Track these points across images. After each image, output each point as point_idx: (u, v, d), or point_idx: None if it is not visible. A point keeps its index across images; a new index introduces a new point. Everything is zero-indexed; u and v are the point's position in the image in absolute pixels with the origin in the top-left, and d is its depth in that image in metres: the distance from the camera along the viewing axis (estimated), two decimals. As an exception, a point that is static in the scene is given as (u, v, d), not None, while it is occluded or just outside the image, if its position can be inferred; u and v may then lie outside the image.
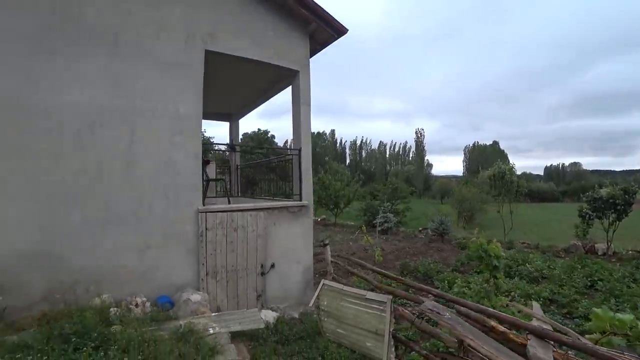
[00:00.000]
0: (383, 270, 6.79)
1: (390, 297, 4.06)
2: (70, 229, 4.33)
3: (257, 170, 10.36)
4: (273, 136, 31.52)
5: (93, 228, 4.41)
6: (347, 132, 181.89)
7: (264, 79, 6.99)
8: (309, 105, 6.49)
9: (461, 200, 20.96)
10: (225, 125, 9.56)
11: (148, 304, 4.69)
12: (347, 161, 68.29)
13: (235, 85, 7.25)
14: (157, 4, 5.06)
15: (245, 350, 4.37)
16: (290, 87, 6.71)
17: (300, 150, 6.23)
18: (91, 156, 4.44)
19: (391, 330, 3.94)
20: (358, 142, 71.63)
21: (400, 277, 6.70)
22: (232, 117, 9.32)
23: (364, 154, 72.64)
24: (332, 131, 67.65)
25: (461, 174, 70.15)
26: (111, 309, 4.26)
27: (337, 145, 69.01)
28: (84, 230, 4.39)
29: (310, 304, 5.07)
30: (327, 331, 4.63)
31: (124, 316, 4.21)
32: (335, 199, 19.15)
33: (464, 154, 74.70)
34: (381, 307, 3.98)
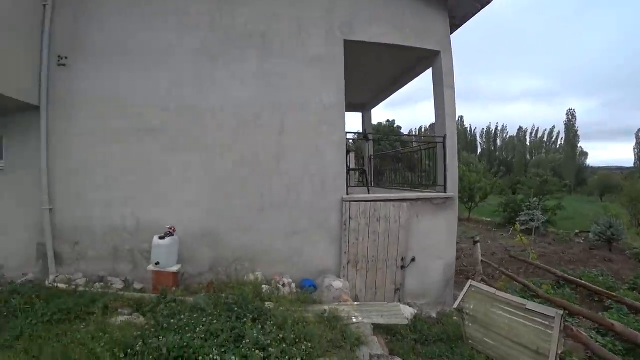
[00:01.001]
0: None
1: (562, 312, 3.34)
2: (232, 213, 5.01)
3: (384, 160, 10.24)
4: (399, 127, 30.67)
5: (250, 212, 5.00)
6: (478, 118, 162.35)
7: (401, 65, 6.73)
8: (452, 88, 5.95)
9: (635, 199, 16.54)
10: (354, 116, 9.68)
11: (293, 285, 5.05)
12: (479, 150, 61.77)
13: (371, 74, 7.21)
14: (299, 3, 5.37)
15: (383, 343, 4.28)
16: (420, 76, 6.29)
17: (445, 137, 5.76)
18: (248, 148, 5.02)
19: (559, 352, 3.23)
20: (492, 129, 64.00)
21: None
22: (365, 107, 9.39)
23: (499, 142, 64.46)
24: (461, 118, 61.85)
25: (631, 165, 55.48)
26: (263, 286, 4.74)
27: (467, 133, 62.92)
28: (243, 214, 5.02)
29: (455, 305, 4.64)
30: (470, 338, 4.15)
31: (273, 294, 4.63)
32: (470, 192, 17.56)
33: (636, 138, 58.64)
34: (546, 322, 3.34)
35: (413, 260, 5.63)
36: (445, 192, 5.74)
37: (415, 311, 5.26)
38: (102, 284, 4.99)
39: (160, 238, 4.53)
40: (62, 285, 4.78)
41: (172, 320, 3.35)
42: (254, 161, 4.98)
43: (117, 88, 5.15)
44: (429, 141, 6.50)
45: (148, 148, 4.99)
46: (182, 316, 3.45)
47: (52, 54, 5.37)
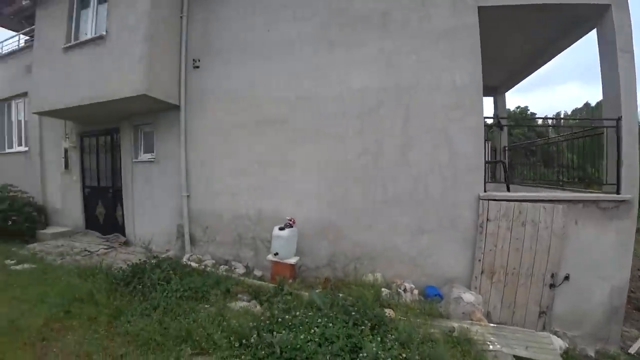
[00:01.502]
0: None
1: None
2: (352, 206, 4.76)
3: (515, 153, 8.86)
4: (533, 114, 26.55)
5: (372, 206, 4.67)
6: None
7: (549, 32, 5.49)
8: (631, 52, 4.53)
9: None
10: (485, 101, 8.49)
11: (416, 291, 4.53)
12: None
13: (508, 48, 6.12)
14: (421, -27, 4.75)
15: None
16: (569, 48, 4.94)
17: (619, 119, 4.44)
18: (370, 137, 4.69)
19: None
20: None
21: None
22: (497, 90, 8.20)
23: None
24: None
25: None
26: (383, 289, 4.35)
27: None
28: (364, 208, 4.72)
29: (632, 350, 3.49)
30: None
31: (393, 299, 4.20)
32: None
33: None
34: None
35: (566, 278, 4.51)
36: (618, 193, 4.43)
37: (566, 345, 4.22)
38: (226, 267, 5.35)
39: (280, 229, 4.57)
40: (194, 264, 5.28)
41: (287, 316, 3.26)
42: (376, 151, 4.64)
43: (240, 83, 5.44)
44: (592, 126, 5.15)
45: (270, 140, 5.12)
46: (297, 312, 3.34)
47: (188, 58, 6.00)
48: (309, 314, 3.36)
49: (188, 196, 5.89)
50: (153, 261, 4.67)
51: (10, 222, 7.19)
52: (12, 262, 5.76)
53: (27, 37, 8.87)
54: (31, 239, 7.48)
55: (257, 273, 5.14)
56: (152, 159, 6.47)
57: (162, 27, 5.59)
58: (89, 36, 6.06)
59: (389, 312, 3.79)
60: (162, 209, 6.37)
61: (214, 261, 5.59)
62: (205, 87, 5.76)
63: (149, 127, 6.60)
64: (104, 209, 7.39)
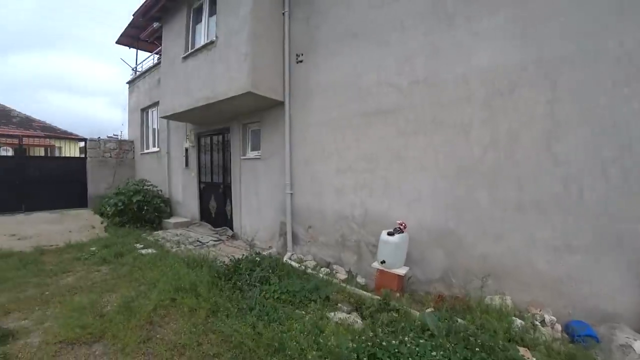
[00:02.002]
0: None
1: None
2: (475, 210, 4.02)
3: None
4: None
5: (501, 212, 3.86)
6: None
7: None
8: None
9: None
10: None
11: (558, 326, 3.56)
12: None
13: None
14: None
15: None
16: None
17: None
18: (501, 126, 3.88)
19: None
20: None
21: None
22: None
23: None
24: None
25: None
26: (514, 318, 3.53)
27: None
28: (490, 214, 3.94)
29: None
30: None
31: (528, 333, 3.35)
32: None
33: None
34: None
35: None
36: None
37: None
38: (327, 269, 5.13)
39: (389, 234, 4.12)
40: (294, 264, 5.20)
41: (392, 341, 2.78)
42: (509, 144, 3.79)
43: (344, 74, 5.14)
44: None
45: (379, 132, 4.71)
46: (406, 337, 2.84)
47: (291, 53, 5.97)
48: (420, 340, 2.84)
49: (292, 194, 5.88)
50: (255, 258, 4.71)
51: (143, 211, 8.33)
52: (140, 246, 6.59)
53: (158, 55, 10.23)
54: (158, 226, 8.55)
55: (360, 280, 4.78)
56: (258, 156, 6.69)
57: (264, 26, 5.68)
58: (201, 43, 6.56)
59: (524, 351, 3.01)
60: (267, 205, 6.53)
61: (315, 262, 5.44)
62: (309, 82, 5.66)
63: (256, 125, 6.85)
64: (215, 203, 7.99)
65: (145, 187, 8.79)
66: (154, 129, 10.67)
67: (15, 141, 11.07)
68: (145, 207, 8.36)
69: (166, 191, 9.45)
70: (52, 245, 6.81)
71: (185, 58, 6.92)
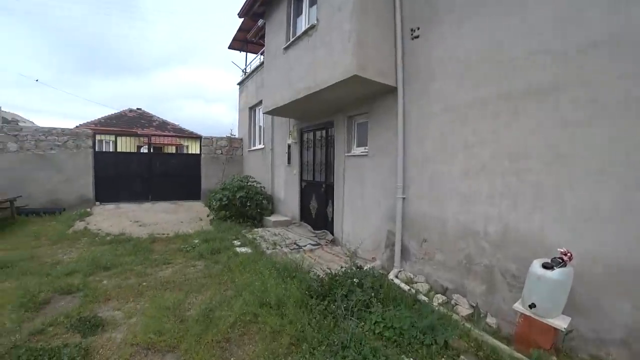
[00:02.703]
0: None
1: None
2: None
3: None
4: None
5: None
6: None
7: None
8: None
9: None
10: None
11: None
12: None
13: None
14: None
15: None
16: None
17: None
18: None
19: None
20: None
21: None
22: None
23: None
24: None
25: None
26: None
27: None
28: None
29: None
30: None
31: None
32: None
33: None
34: None
35: None
36: None
37: None
38: (444, 297, 4.10)
39: (546, 266, 2.91)
40: (403, 285, 4.31)
41: None
42: None
43: (477, 46, 4.00)
44: None
45: (529, 121, 3.47)
46: None
47: (404, 28, 5.04)
48: None
49: (404, 198, 4.98)
50: (354, 277, 3.96)
51: (246, 207, 8.45)
52: (238, 243, 6.59)
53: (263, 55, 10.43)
54: (258, 223, 8.59)
55: (491, 321, 3.62)
56: (365, 153, 5.96)
57: (370, 1, 4.88)
58: (302, 29, 6.18)
59: None
60: (373, 210, 5.76)
61: (428, 286, 4.45)
62: (429, 60, 4.66)
63: (363, 117, 6.14)
64: (316, 204, 7.57)
65: (248, 184, 8.95)
66: (260, 127, 10.96)
67: (153, 140, 13.00)
68: (248, 204, 8.47)
69: (269, 188, 9.51)
70: (163, 234, 7.34)
71: (286, 49, 6.63)
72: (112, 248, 6.28)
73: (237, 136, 12.49)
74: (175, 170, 11.58)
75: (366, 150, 5.95)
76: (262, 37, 10.80)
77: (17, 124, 13.54)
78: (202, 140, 11.86)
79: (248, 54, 12.92)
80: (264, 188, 9.36)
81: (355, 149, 6.36)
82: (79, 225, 8.08)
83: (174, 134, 17.94)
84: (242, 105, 12.42)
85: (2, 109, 24.58)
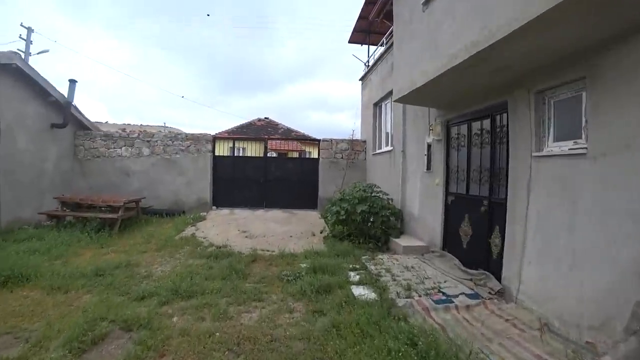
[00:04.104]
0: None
1: None
2: None
3: None
4: None
5: None
6: None
7: None
8: None
9: None
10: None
11: None
12: None
13: None
14: None
15: None
16: None
17: None
18: None
19: None
20: None
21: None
22: None
23: None
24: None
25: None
26: None
27: None
28: None
29: None
30: None
31: None
32: None
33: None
34: None
35: None
36: None
37: None
38: None
39: None
40: None
41: None
42: None
43: None
44: None
45: None
46: None
47: None
48: None
49: None
50: None
51: (368, 224, 6.51)
52: (356, 278, 4.76)
53: (390, 37, 8.33)
54: (383, 245, 6.53)
55: None
56: (577, 150, 3.29)
57: None
58: None
59: None
60: (597, 255, 3.05)
61: None
62: None
63: (569, 88, 3.47)
64: (471, 229, 5.05)
65: (373, 195, 6.96)
66: (387, 125, 8.91)
67: (277, 146, 12.69)
68: (371, 219, 6.49)
69: (397, 200, 7.34)
70: (267, 251, 6.01)
71: (426, 2, 4.45)
72: (208, 264, 5.21)
73: (359, 138, 10.73)
74: (291, 175, 10.46)
75: (581, 147, 3.27)
76: (387, 14, 8.85)
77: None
78: (321, 142, 10.45)
79: (370, 46, 11.08)
80: (392, 201, 7.24)
81: (553, 145, 3.68)
82: (189, 230, 7.47)
83: (283, 137, 17.69)
84: (366, 102, 10.57)
85: (167, 124, 28.80)
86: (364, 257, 5.68)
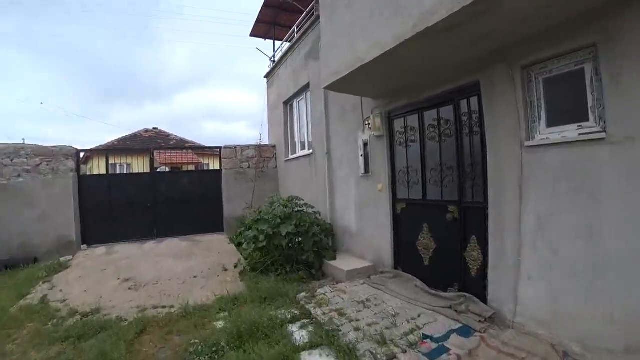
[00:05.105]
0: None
1: None
2: None
3: None
4: None
5: None
6: None
7: None
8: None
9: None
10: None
11: None
12: None
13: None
14: None
15: None
16: None
17: None
18: None
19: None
20: None
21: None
22: None
23: None
24: None
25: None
26: None
27: None
28: None
29: None
30: None
31: None
32: None
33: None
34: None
35: None
36: None
37: None
38: None
39: None
40: None
41: None
42: None
43: None
44: None
45: None
46: None
47: None
48: None
49: None
50: None
51: (296, 248, 5.17)
52: (301, 335, 3.34)
53: (309, 16, 7.33)
54: (318, 272, 5.24)
55: None
56: (591, 136, 2.64)
57: None
58: None
59: None
60: (632, 260, 2.41)
61: None
62: None
63: (568, 62, 2.83)
64: (434, 241, 4.19)
65: (296, 210, 5.67)
66: (302, 125, 7.76)
67: (168, 160, 10.54)
68: (300, 242, 5.17)
69: (325, 213, 6.19)
70: (164, 308, 4.12)
71: None
72: (63, 355, 3.07)
73: (268, 143, 9.28)
74: (188, 193, 8.33)
75: (593, 131, 2.64)
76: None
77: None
78: (222, 150, 8.60)
79: (276, 42, 9.86)
80: (319, 214, 6.06)
81: (548, 132, 3.01)
82: (39, 291, 4.90)
83: (190, 148, 15.21)
84: (273, 102, 9.22)
85: (26, 141, 22.21)
86: (301, 296, 4.29)
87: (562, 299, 2.84)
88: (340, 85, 4.37)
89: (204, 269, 5.46)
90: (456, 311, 3.52)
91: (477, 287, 3.57)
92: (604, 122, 2.59)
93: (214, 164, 11.13)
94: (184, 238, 7.78)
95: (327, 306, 3.98)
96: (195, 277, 5.14)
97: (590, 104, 2.71)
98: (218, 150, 8.82)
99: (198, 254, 6.30)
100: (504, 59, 3.20)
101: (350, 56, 3.81)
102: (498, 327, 3.23)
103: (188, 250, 6.62)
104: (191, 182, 8.59)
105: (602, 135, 2.56)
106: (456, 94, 3.76)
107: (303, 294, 4.38)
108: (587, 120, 2.72)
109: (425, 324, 3.38)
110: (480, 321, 3.30)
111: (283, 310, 3.93)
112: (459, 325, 3.31)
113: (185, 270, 5.41)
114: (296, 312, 3.92)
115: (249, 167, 8.66)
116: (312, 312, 3.83)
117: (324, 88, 4.63)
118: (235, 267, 5.40)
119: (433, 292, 3.97)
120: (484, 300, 3.46)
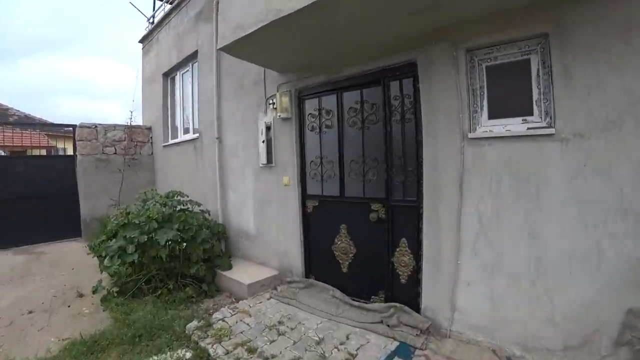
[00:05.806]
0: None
1: None
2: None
3: None
4: None
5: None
6: None
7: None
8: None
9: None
10: None
11: None
12: None
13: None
14: None
15: None
16: None
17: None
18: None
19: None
20: None
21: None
22: None
23: None
24: None
25: None
26: None
27: None
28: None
29: None
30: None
31: None
32: None
33: None
34: None
35: None
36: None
37: None
38: None
39: None
40: None
41: None
42: None
43: None
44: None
45: None
46: None
47: None
48: None
49: None
50: None
51: (181, 258, 4.04)
52: None
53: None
54: (209, 287, 4.22)
55: None
56: (539, 131, 2.45)
57: None
58: None
59: None
60: (574, 260, 2.33)
61: None
62: None
63: (514, 51, 2.59)
64: (354, 245, 3.66)
65: (179, 208, 4.44)
66: (187, 103, 6.26)
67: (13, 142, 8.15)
68: (186, 250, 4.02)
69: (215, 212, 5.07)
70: None
71: None
72: None
73: (141, 124, 7.27)
74: (31, 185, 5.99)
75: (539, 126, 2.47)
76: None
77: None
78: (78, 130, 6.33)
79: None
80: (209, 213, 4.90)
81: (490, 124, 2.76)
82: None
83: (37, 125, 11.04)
84: (150, 73, 7.23)
85: None
86: (192, 326, 3.22)
87: (502, 303, 2.67)
88: (242, 48, 3.35)
89: (47, 297, 3.71)
90: (388, 325, 3.09)
91: (409, 295, 3.21)
92: (550, 118, 2.44)
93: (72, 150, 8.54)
94: (19, 250, 5.51)
95: (230, 338, 3.05)
96: (31, 312, 3.40)
97: (535, 97, 2.53)
98: (71, 129, 6.51)
99: (39, 274, 4.34)
100: (446, 37, 2.81)
101: (262, 5, 2.85)
102: (434, 337, 2.93)
103: (23, 269, 4.53)
104: (37, 170, 6.18)
105: (551, 131, 2.40)
106: (387, 73, 3.25)
107: (194, 322, 3.31)
108: (532, 114, 2.54)
109: (359, 348, 2.83)
110: (417, 335, 2.93)
111: (168, 354, 2.84)
112: (396, 343, 2.88)
113: (14, 303, 3.56)
114: (188, 354, 2.88)
115: (115, 154, 6.64)
116: (211, 353, 2.84)
117: (219, 49, 3.49)
118: (94, 291, 3.81)
119: (356, 303, 3.47)
120: (416, 309, 3.12)
